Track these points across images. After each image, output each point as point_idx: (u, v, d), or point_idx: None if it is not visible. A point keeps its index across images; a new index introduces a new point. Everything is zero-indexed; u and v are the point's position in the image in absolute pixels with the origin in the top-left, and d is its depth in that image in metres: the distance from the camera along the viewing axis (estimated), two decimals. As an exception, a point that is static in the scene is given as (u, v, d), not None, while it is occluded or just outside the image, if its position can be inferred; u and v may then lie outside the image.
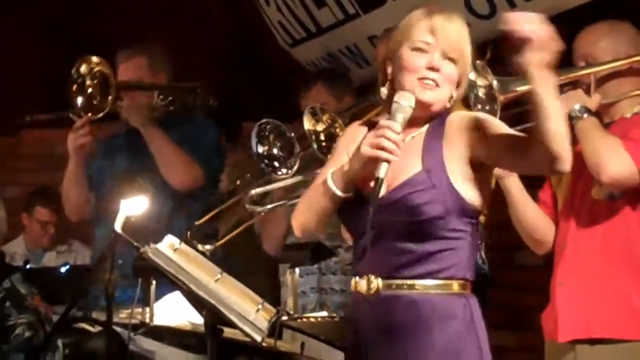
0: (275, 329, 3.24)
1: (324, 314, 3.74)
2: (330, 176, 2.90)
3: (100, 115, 4.64)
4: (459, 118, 2.89)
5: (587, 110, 3.50)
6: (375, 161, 2.76)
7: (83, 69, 4.65)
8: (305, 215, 2.98)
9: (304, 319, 3.52)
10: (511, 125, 3.09)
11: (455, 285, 2.82)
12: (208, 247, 4.19)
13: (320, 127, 3.83)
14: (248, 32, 5.79)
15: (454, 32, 2.89)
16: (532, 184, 3.69)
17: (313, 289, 4.24)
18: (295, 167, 4.01)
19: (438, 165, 2.83)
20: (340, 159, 2.95)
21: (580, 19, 3.82)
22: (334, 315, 3.78)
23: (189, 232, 4.21)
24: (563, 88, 3.59)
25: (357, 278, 2.89)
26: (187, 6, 5.97)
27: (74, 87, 4.65)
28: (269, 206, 4.05)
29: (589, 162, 3.45)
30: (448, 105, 2.91)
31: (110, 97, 4.60)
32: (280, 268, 4.58)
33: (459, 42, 2.89)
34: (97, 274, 3.85)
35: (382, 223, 2.81)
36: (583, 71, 3.62)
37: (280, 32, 5.27)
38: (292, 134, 4.06)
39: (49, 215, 6.27)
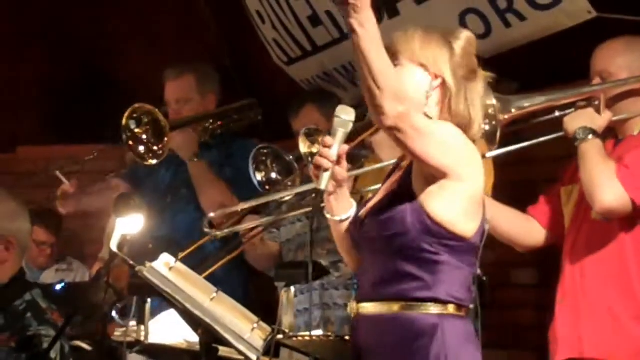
0: (271, 348, 3.23)
1: (320, 332, 3.74)
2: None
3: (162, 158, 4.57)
4: None
5: (592, 132, 3.48)
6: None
7: (126, 122, 4.54)
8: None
9: (300, 338, 3.51)
10: (508, 144, 3.09)
11: (426, 307, 2.78)
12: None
13: (315, 148, 3.84)
14: (242, 49, 5.80)
15: (399, 40, 2.88)
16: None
17: (316, 306, 4.25)
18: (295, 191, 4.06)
19: (406, 183, 2.85)
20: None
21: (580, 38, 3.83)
22: (330, 334, 3.79)
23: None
24: (577, 104, 3.57)
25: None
26: (182, 23, 5.98)
27: (129, 143, 4.56)
28: (226, 230, 4.08)
29: (584, 189, 3.46)
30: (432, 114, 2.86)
31: (166, 140, 4.54)
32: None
33: (403, 42, 2.87)
34: (92, 292, 3.85)
35: (363, 241, 2.90)
36: (594, 87, 3.59)
37: (275, 50, 5.27)
38: (290, 157, 4.10)
39: (46, 235, 6.27)
